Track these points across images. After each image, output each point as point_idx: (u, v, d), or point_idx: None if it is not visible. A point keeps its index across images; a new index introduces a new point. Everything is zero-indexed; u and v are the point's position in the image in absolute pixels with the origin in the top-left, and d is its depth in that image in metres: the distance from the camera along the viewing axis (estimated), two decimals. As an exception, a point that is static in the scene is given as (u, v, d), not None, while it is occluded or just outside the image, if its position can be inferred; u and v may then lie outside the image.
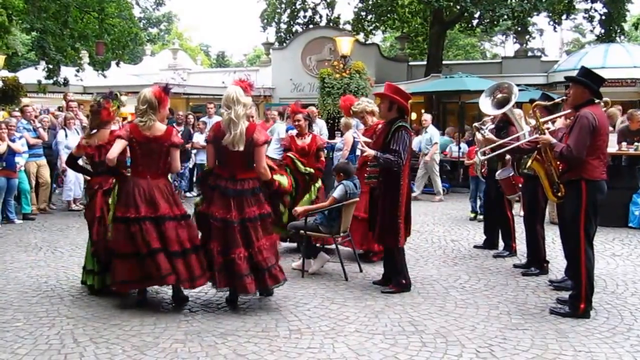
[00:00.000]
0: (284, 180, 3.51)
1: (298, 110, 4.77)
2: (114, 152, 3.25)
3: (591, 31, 14.15)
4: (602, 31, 13.06)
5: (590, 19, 13.16)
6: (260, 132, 3.23)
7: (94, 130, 3.77)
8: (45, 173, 6.82)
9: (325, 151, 5.29)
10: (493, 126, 4.62)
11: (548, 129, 3.63)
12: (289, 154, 4.60)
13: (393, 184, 3.59)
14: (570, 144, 3.15)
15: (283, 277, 3.35)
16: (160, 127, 3.30)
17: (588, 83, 3.21)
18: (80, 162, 3.95)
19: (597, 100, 3.31)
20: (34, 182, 6.69)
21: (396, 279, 3.72)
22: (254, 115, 3.28)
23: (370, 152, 3.74)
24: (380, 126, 4.39)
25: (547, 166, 3.47)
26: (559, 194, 3.45)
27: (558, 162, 3.36)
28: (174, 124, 7.97)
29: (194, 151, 8.19)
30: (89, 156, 3.78)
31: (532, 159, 3.52)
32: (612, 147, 6.35)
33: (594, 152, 3.16)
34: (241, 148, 3.13)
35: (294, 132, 6.43)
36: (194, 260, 3.25)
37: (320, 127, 7.34)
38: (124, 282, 3.30)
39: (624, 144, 6.22)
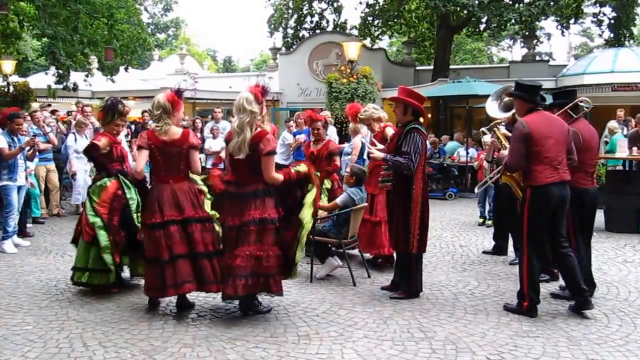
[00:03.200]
0: (301, 167, 3.36)
1: (317, 117, 4.79)
2: (140, 164, 3.37)
3: (600, 35, 14.06)
4: (611, 35, 12.97)
5: (599, 23, 13.08)
6: (267, 141, 3.09)
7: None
8: (54, 178, 6.90)
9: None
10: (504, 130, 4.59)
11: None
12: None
13: (405, 187, 3.56)
14: (507, 157, 3.31)
15: (236, 292, 3.04)
16: (176, 131, 3.34)
17: (520, 95, 3.37)
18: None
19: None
20: (43, 186, 6.77)
21: (406, 285, 3.69)
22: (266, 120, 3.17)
23: (379, 154, 3.69)
24: (387, 129, 4.41)
25: (517, 177, 3.55)
26: None
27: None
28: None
29: (201, 156, 8.21)
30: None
31: (502, 175, 3.63)
32: (623, 152, 6.30)
33: (536, 158, 3.21)
34: (242, 156, 3.10)
35: (301, 136, 6.46)
36: (216, 265, 3.25)
37: (330, 133, 7.34)
38: (149, 288, 3.34)
39: (634, 148, 6.15)
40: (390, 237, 3.74)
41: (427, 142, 7.84)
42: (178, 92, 3.40)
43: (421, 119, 3.69)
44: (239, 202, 3.14)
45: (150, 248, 3.29)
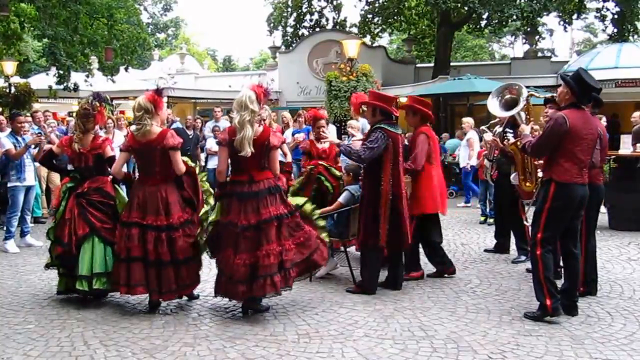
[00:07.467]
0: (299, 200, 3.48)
1: (320, 116, 4.84)
2: (117, 166, 3.44)
3: (603, 30, 13.96)
4: (615, 30, 12.86)
5: (602, 18, 12.98)
6: (275, 136, 3.25)
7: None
8: (55, 178, 6.90)
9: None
10: (501, 129, 4.55)
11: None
12: (321, 162, 4.63)
13: (373, 184, 3.62)
14: (533, 141, 3.23)
15: (281, 286, 3.12)
16: (154, 132, 3.29)
17: (572, 85, 3.14)
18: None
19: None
20: (44, 186, 6.78)
21: (361, 279, 3.73)
22: (271, 119, 3.26)
23: (333, 140, 4.00)
24: None
25: (523, 154, 3.57)
26: (527, 184, 3.63)
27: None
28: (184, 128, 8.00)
29: (203, 155, 8.19)
30: (70, 159, 3.69)
31: (514, 142, 3.61)
32: (628, 148, 6.25)
33: (567, 155, 3.11)
34: (247, 152, 3.11)
35: (300, 135, 6.43)
36: (171, 274, 3.25)
37: (331, 131, 7.31)
38: (113, 282, 3.36)
39: (639, 145, 6.10)
40: (359, 232, 3.73)
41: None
42: (158, 91, 3.38)
43: (393, 118, 3.76)
44: (253, 200, 3.14)
45: (118, 243, 3.33)
